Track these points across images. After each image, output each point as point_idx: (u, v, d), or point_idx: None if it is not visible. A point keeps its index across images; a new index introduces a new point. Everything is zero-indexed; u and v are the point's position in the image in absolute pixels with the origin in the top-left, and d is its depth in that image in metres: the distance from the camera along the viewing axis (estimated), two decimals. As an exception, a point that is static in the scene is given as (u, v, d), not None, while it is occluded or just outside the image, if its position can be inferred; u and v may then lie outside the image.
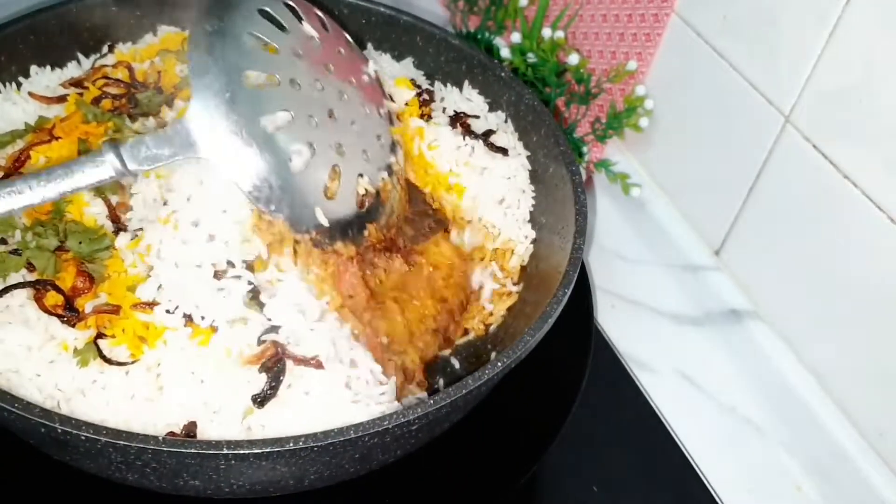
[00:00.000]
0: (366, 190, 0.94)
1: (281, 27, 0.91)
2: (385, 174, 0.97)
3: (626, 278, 1.22)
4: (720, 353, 1.14)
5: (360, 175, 0.93)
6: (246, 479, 0.78)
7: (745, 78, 1.07)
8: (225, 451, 0.69)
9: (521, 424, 0.99)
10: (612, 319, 1.17)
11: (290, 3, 0.93)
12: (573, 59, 1.20)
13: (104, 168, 0.80)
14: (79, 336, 0.80)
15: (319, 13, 0.98)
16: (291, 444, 0.69)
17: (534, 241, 1.05)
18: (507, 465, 0.95)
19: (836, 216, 0.98)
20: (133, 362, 0.79)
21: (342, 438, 0.70)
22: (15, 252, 0.84)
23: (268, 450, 0.69)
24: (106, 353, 0.79)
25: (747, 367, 1.11)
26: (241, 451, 0.69)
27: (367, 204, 0.94)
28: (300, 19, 0.94)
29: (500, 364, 0.78)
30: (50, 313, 0.81)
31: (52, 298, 0.81)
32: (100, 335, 0.80)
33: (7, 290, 0.81)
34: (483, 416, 0.92)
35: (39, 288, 0.82)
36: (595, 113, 1.27)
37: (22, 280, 0.83)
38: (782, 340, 1.09)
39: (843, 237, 0.98)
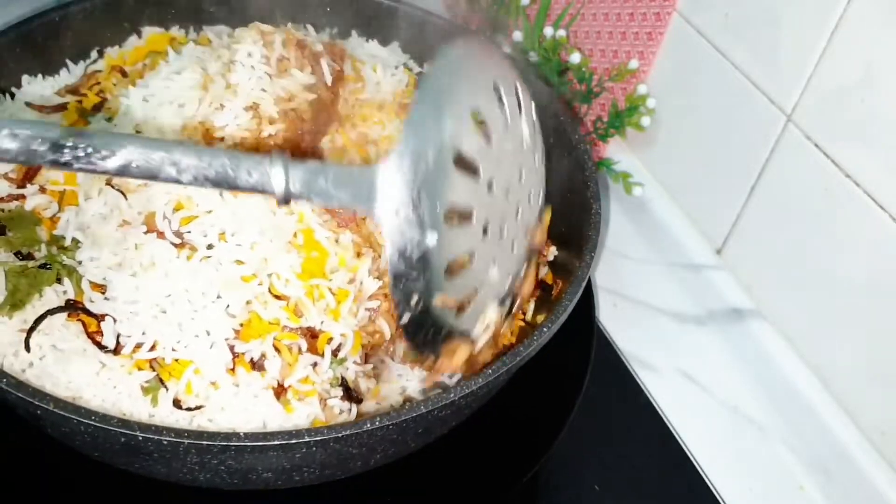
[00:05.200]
0: (486, 325, 0.80)
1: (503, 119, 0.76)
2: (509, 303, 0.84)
3: (627, 277, 1.22)
4: (722, 352, 1.14)
5: (492, 303, 0.79)
6: (317, 465, 0.80)
7: (747, 77, 1.07)
8: (307, 439, 0.70)
9: (523, 424, 0.99)
10: (613, 318, 1.17)
11: (520, 90, 0.78)
12: (575, 57, 1.20)
13: (261, 178, 0.64)
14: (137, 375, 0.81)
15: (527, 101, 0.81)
16: (368, 426, 0.72)
17: None
18: (509, 465, 0.95)
19: (838, 215, 0.98)
20: (199, 407, 0.81)
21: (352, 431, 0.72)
22: (44, 266, 0.84)
23: (346, 433, 0.71)
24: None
25: (749, 366, 1.11)
26: (321, 438, 0.71)
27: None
28: (520, 110, 0.79)
29: (501, 368, 0.78)
30: (94, 342, 0.81)
31: (93, 322, 0.82)
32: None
33: (44, 316, 0.82)
34: (484, 415, 0.92)
35: (73, 312, 0.82)
36: (597, 112, 1.26)
37: (55, 296, 0.83)
38: (784, 339, 1.09)
39: (846, 236, 0.97)
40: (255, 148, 0.89)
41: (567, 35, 1.24)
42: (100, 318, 0.82)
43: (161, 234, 0.84)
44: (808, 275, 1.04)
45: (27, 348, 0.80)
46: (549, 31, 1.22)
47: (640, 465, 1.02)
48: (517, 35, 1.26)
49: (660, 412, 1.07)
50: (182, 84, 0.93)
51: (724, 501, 0.99)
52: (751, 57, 1.06)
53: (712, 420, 1.08)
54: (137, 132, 0.88)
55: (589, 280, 1.11)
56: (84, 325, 0.82)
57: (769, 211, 1.08)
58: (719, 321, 1.15)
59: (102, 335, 0.81)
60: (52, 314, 0.82)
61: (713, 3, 1.10)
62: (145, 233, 0.84)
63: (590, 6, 1.26)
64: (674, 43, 1.18)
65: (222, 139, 0.89)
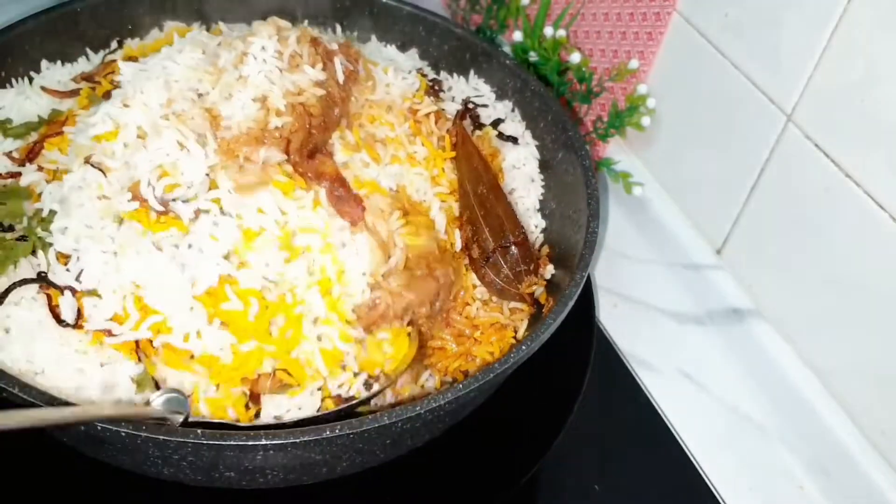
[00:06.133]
0: None
1: None
2: None
3: (628, 277, 1.22)
4: (722, 351, 1.14)
5: None
6: (279, 468, 0.80)
7: (747, 76, 1.07)
8: (263, 442, 0.70)
9: (523, 423, 0.99)
10: (613, 318, 1.17)
11: None
12: (575, 57, 1.20)
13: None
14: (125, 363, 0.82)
15: None
16: (327, 433, 0.71)
17: (543, 231, 1.06)
18: (509, 464, 0.95)
19: (838, 215, 0.98)
20: None
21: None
22: (22, 238, 0.86)
23: (304, 439, 0.71)
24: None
25: (749, 366, 1.11)
26: (279, 442, 0.71)
27: None
28: None
29: (472, 384, 0.78)
30: (56, 318, 0.82)
31: (57, 295, 0.83)
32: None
33: (16, 285, 0.83)
34: (485, 415, 0.92)
35: (44, 283, 0.83)
36: (597, 112, 1.26)
37: (31, 269, 0.85)
38: (784, 339, 1.09)
39: (845, 236, 0.97)
40: (261, 139, 0.90)
41: (567, 35, 1.24)
42: (62, 289, 0.82)
43: (145, 203, 0.84)
44: (808, 275, 1.04)
45: None
46: (549, 31, 1.22)
47: (639, 464, 1.02)
48: (517, 35, 1.26)
49: (660, 412, 1.07)
50: (181, 62, 0.94)
51: (724, 501, 0.99)
52: (751, 56, 1.06)
53: (712, 420, 1.08)
54: (125, 105, 0.89)
55: (588, 280, 1.11)
56: (49, 298, 0.83)
57: (769, 211, 1.08)
58: (719, 321, 1.15)
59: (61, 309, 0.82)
60: (19, 286, 0.83)
61: (713, 3, 1.10)
62: (129, 200, 0.84)
63: (590, 6, 1.26)
64: (674, 43, 1.18)
65: (229, 128, 0.90)
